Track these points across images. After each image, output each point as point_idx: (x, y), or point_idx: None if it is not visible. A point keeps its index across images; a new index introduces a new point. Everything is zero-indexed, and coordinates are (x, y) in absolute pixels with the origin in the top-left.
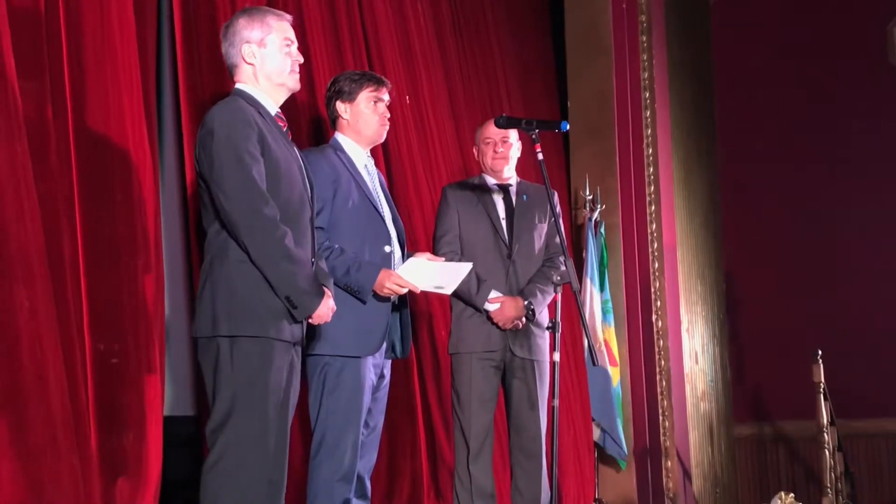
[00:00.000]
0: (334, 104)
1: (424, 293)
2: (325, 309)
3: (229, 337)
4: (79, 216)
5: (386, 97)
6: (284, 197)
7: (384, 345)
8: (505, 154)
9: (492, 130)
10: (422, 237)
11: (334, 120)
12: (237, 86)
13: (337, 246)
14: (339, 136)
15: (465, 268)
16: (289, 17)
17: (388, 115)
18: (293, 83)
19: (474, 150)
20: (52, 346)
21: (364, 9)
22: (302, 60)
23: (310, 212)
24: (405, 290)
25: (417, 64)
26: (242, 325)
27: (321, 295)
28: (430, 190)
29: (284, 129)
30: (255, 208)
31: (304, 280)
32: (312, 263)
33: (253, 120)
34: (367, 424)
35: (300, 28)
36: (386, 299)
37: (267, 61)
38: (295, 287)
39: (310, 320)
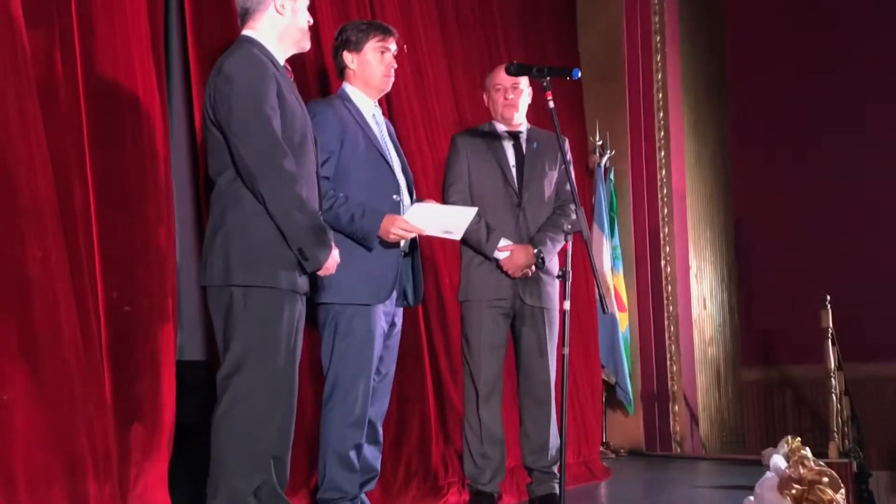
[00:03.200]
0: (341, 54)
1: (431, 239)
2: (332, 262)
3: (243, 286)
4: (89, 166)
5: (393, 47)
6: (297, 148)
7: (395, 292)
8: (515, 101)
9: (502, 77)
10: (421, 189)
11: (342, 70)
12: (248, 33)
13: (342, 194)
14: (347, 87)
15: (469, 212)
16: None
17: (395, 66)
18: (307, 43)
19: (484, 96)
20: (65, 296)
21: None
22: (312, 22)
23: (315, 163)
24: (412, 235)
25: (414, 14)
26: (257, 275)
27: (330, 247)
28: (429, 142)
29: (292, 81)
30: (275, 161)
31: (317, 232)
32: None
33: (272, 71)
34: (378, 371)
35: None
36: (395, 246)
37: (296, 17)
38: (308, 239)
39: (318, 272)
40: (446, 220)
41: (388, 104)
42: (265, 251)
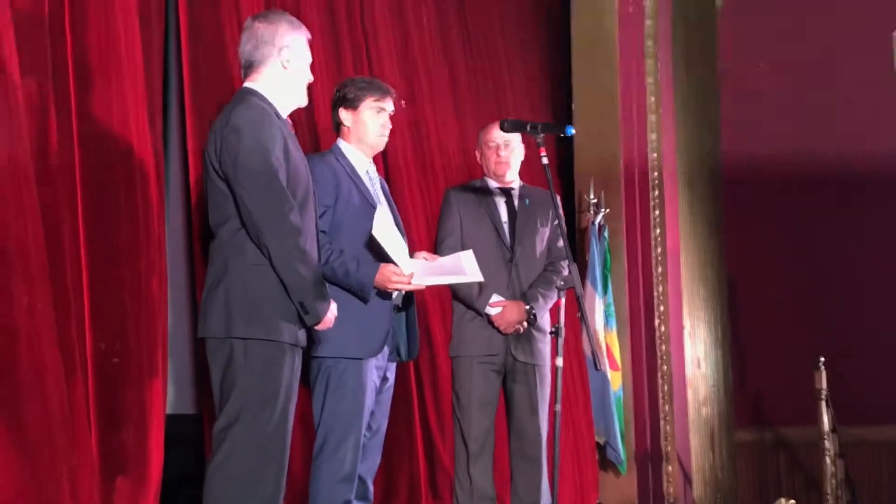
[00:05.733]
0: (338, 110)
1: (423, 293)
2: (331, 315)
3: (244, 339)
4: (81, 217)
5: (389, 107)
6: (300, 201)
7: (387, 347)
8: (507, 159)
9: (495, 134)
10: (416, 242)
11: (337, 126)
12: (251, 85)
13: (337, 248)
14: (341, 143)
15: (467, 255)
16: (310, 35)
17: (390, 126)
18: (306, 100)
19: (476, 152)
20: (49, 345)
21: (365, 13)
22: (312, 79)
23: (315, 217)
24: (411, 288)
25: (417, 68)
26: (258, 328)
27: (329, 301)
28: (423, 196)
29: (293, 134)
30: (281, 213)
31: (318, 286)
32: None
33: (278, 124)
34: (369, 427)
35: None
36: (388, 298)
37: (298, 71)
38: (309, 293)
39: (317, 326)
40: (447, 269)
41: (386, 157)
42: (267, 304)
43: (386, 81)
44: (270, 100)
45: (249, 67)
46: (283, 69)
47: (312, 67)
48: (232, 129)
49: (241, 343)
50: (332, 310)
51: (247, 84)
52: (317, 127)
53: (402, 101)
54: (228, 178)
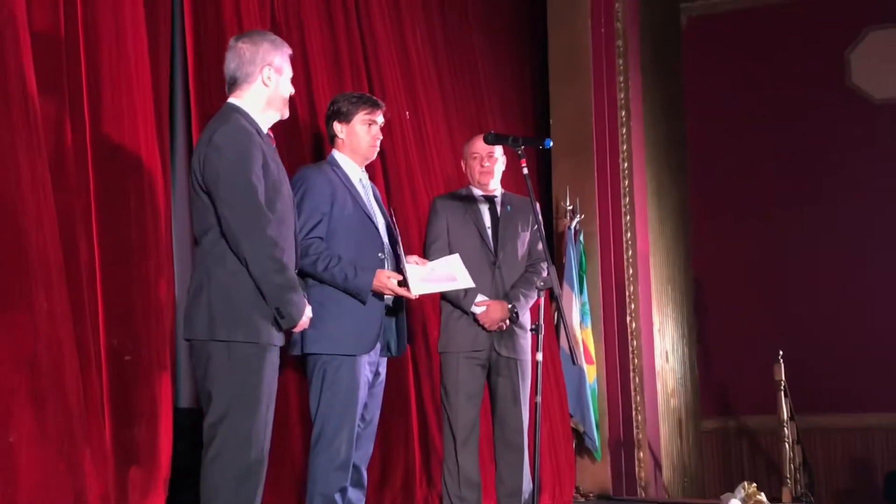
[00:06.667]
0: (332, 123)
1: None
2: (305, 318)
3: (226, 341)
4: (95, 224)
5: (380, 119)
6: (279, 214)
7: (379, 344)
8: (490, 169)
9: (479, 146)
10: (417, 245)
11: (332, 137)
12: (234, 101)
13: (336, 254)
14: (336, 154)
15: (454, 258)
16: (291, 51)
17: (381, 137)
18: (287, 112)
19: (462, 163)
20: (68, 346)
21: (364, 32)
22: (293, 92)
23: (294, 226)
24: (402, 293)
25: (416, 84)
26: (238, 331)
27: (303, 307)
28: (429, 199)
29: (274, 148)
30: (258, 227)
31: (294, 294)
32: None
33: (258, 141)
34: (363, 418)
35: (302, 49)
36: (381, 298)
37: (279, 88)
38: (285, 300)
39: (292, 329)
40: (439, 276)
41: (386, 164)
42: (246, 308)
43: (387, 92)
44: (252, 115)
45: (233, 84)
46: (264, 86)
47: (315, 76)
48: (214, 147)
49: (224, 345)
50: (307, 312)
51: (231, 100)
52: (321, 136)
53: (406, 112)
54: (210, 192)
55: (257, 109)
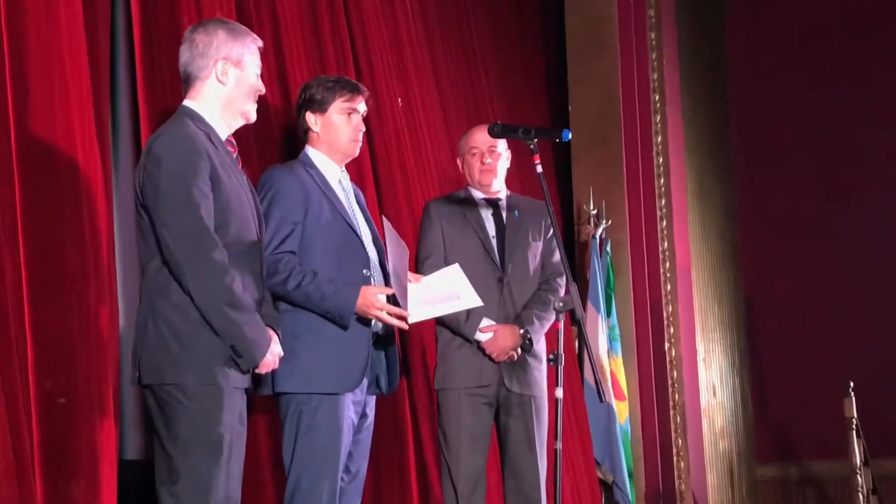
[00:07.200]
0: (304, 114)
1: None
2: (272, 357)
3: (177, 385)
4: (22, 241)
5: (362, 107)
6: (234, 234)
7: (366, 380)
8: (492, 166)
9: (478, 139)
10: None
11: (305, 131)
12: (188, 103)
13: (309, 270)
14: (310, 150)
15: (453, 269)
16: (261, 42)
17: (363, 129)
18: (254, 114)
19: (458, 160)
20: None
21: (350, 7)
22: (263, 91)
23: (259, 247)
24: (394, 322)
25: (408, 67)
26: (188, 373)
27: (267, 343)
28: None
29: (235, 156)
30: (203, 252)
31: (251, 329)
32: (260, 305)
33: (204, 150)
34: (347, 470)
35: (274, 26)
36: (367, 324)
37: (239, 85)
38: (240, 337)
39: (255, 370)
40: (439, 295)
41: (376, 159)
42: (197, 347)
43: (375, 78)
44: (209, 119)
45: (187, 81)
46: (218, 83)
47: (290, 59)
48: (153, 160)
49: (175, 389)
50: (274, 350)
51: (185, 102)
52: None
53: (399, 100)
54: (149, 212)
55: (214, 112)
